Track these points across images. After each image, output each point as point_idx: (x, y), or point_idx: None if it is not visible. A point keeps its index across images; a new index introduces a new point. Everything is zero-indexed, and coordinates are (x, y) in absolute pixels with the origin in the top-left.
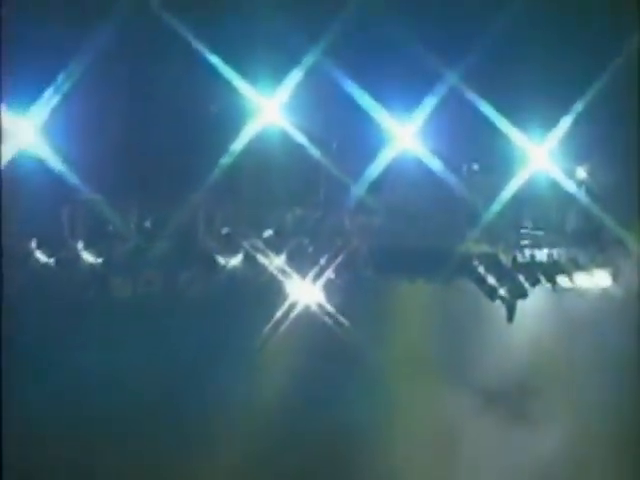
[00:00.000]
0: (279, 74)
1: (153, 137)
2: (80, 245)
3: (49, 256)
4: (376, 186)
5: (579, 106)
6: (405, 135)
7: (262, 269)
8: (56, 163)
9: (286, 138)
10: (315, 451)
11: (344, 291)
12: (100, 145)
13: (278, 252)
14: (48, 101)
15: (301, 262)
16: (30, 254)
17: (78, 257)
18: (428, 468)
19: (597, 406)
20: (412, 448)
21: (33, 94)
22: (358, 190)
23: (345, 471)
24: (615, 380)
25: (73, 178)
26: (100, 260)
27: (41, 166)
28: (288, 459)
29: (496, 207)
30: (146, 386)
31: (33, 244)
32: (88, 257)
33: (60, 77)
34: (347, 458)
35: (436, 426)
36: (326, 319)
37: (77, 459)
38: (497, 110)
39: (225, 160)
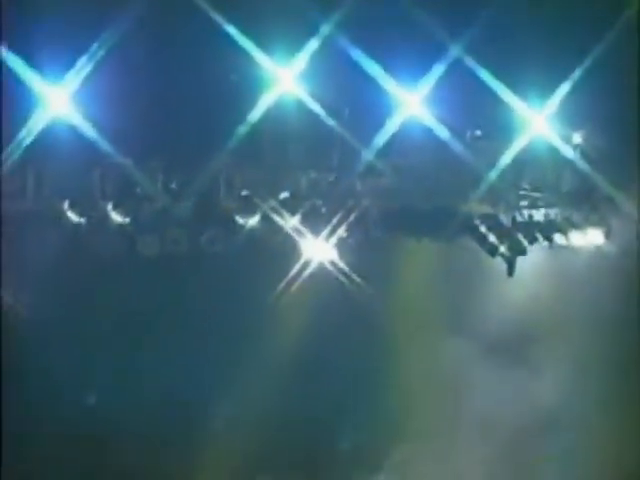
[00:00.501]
0: (295, 46)
1: (178, 105)
2: (109, 206)
3: (80, 216)
4: (385, 150)
5: (575, 77)
6: (412, 102)
7: (278, 229)
8: (88, 129)
9: (301, 106)
10: (327, 393)
11: (355, 249)
12: (129, 112)
13: (293, 213)
14: (80, 71)
15: (315, 222)
16: (63, 214)
17: (107, 217)
18: (434, 406)
19: (590, 353)
20: (419, 389)
21: (67, 64)
22: (368, 154)
23: (358, 407)
24: (607, 329)
25: (103, 143)
26: (128, 220)
27: (73, 132)
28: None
29: (497, 170)
30: (172, 333)
31: (65, 205)
32: (117, 217)
33: (91, 48)
34: (358, 398)
35: (442, 370)
36: (338, 275)
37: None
38: (499, 79)
39: (245, 126)
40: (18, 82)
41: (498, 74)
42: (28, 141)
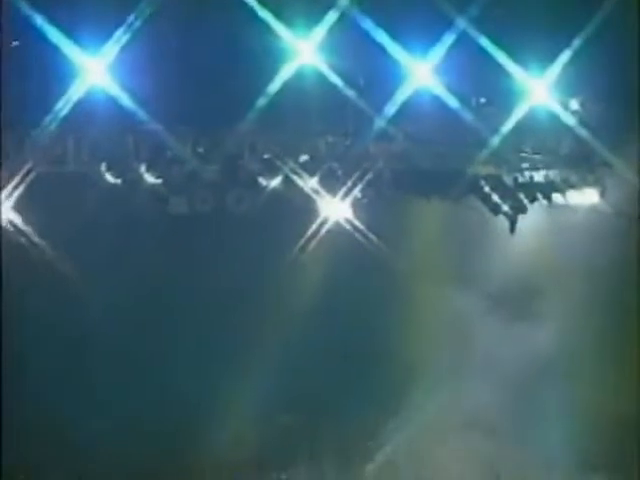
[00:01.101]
0: (314, 21)
1: (207, 75)
2: (143, 168)
3: (117, 177)
4: (397, 117)
5: (573, 47)
6: (422, 72)
7: (298, 189)
8: (123, 97)
9: (320, 76)
10: (344, 339)
11: (369, 208)
12: (161, 82)
13: (312, 174)
14: (116, 44)
15: (332, 183)
16: (100, 176)
17: (141, 178)
18: (442, 354)
19: (586, 302)
20: (429, 338)
21: (104, 38)
22: (381, 121)
23: (371, 356)
24: (601, 280)
25: (138, 110)
26: (160, 181)
27: (110, 100)
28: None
29: (500, 135)
30: (201, 284)
31: (103, 167)
32: (149, 178)
33: (126, 23)
34: (374, 344)
35: (450, 317)
36: (353, 232)
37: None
38: (502, 50)
39: (267, 95)
40: (60, 55)
41: (502, 45)
42: (69, 109)
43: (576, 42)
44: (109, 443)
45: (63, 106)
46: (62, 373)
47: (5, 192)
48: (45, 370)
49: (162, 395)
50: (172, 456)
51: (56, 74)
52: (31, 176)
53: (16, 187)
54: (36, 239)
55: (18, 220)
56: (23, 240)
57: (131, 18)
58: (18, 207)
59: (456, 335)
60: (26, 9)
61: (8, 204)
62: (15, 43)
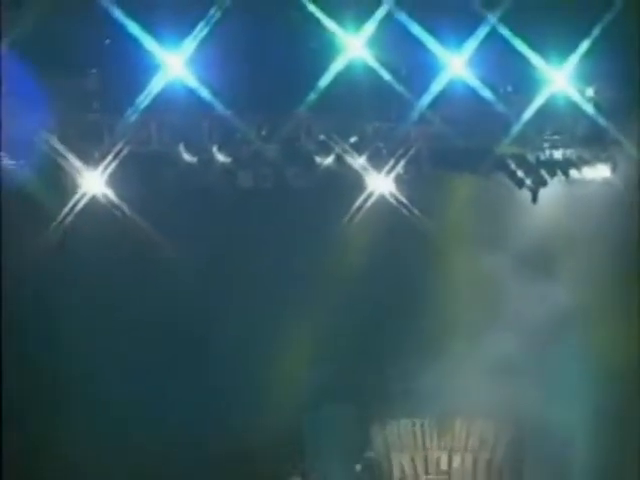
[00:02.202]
0: (363, 18)
1: (270, 68)
2: (215, 148)
3: (192, 156)
4: (434, 102)
5: (589, 42)
6: (456, 63)
7: (348, 167)
8: (199, 87)
9: (367, 67)
10: (386, 303)
11: (410, 183)
12: (232, 74)
13: (360, 154)
14: (193, 40)
15: (377, 162)
16: (179, 155)
17: (214, 157)
18: (477, 306)
19: (599, 266)
20: (462, 295)
21: (182, 35)
22: (421, 106)
23: (412, 312)
24: (612, 246)
25: (211, 98)
26: (230, 159)
27: (188, 89)
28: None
29: (524, 118)
30: (263, 250)
31: (181, 148)
32: (221, 157)
33: (201, 22)
34: (412, 305)
35: (480, 280)
36: (396, 204)
37: None
38: (526, 44)
39: (322, 84)
40: (144, 51)
41: (526, 40)
42: (152, 98)
43: (592, 36)
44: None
45: (148, 95)
46: (156, 335)
47: (100, 169)
48: (138, 333)
49: (238, 351)
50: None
51: (141, 68)
52: (121, 155)
53: (108, 165)
54: (126, 210)
55: (111, 194)
56: (116, 212)
57: (205, 19)
58: (110, 183)
59: (485, 292)
60: (117, 12)
61: (102, 180)
62: (107, 41)
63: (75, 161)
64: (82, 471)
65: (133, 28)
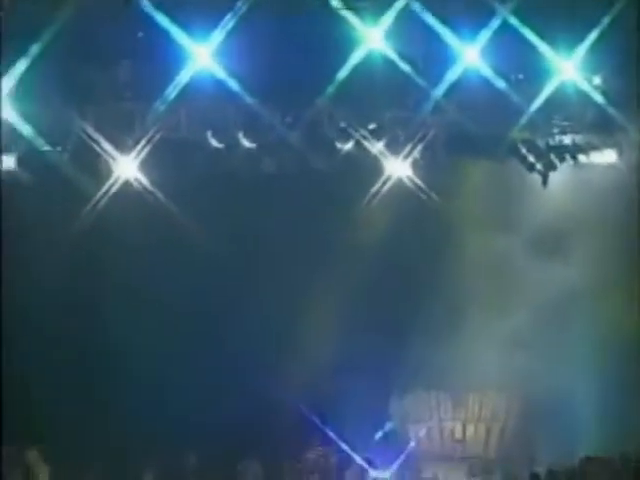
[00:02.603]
0: (381, 12)
1: (293, 58)
2: (241, 134)
3: (219, 142)
4: (449, 91)
5: (596, 33)
6: (470, 54)
7: (367, 151)
8: (226, 76)
9: (386, 58)
10: (406, 277)
11: (426, 168)
12: (256, 63)
13: (379, 140)
14: (220, 32)
15: (395, 147)
16: (206, 141)
17: (239, 143)
18: (494, 282)
19: (606, 241)
20: (477, 273)
21: (210, 27)
22: (436, 94)
23: (430, 290)
24: (617, 224)
25: (237, 87)
26: (255, 145)
27: (215, 78)
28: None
29: (535, 106)
30: (287, 229)
31: (209, 134)
32: (246, 143)
33: (227, 16)
34: (424, 284)
35: (494, 259)
36: (412, 187)
37: None
38: (537, 34)
39: (343, 74)
40: (174, 42)
41: (537, 31)
42: (181, 86)
43: (599, 28)
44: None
45: (177, 84)
46: (185, 311)
47: (132, 155)
48: (169, 309)
49: (264, 324)
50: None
51: (171, 59)
52: (152, 142)
53: (140, 151)
54: (158, 194)
55: (143, 178)
56: (147, 195)
57: (232, 12)
58: (142, 168)
59: (499, 270)
60: (148, 6)
61: (135, 165)
62: (140, 34)
63: (109, 147)
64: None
65: (163, 21)
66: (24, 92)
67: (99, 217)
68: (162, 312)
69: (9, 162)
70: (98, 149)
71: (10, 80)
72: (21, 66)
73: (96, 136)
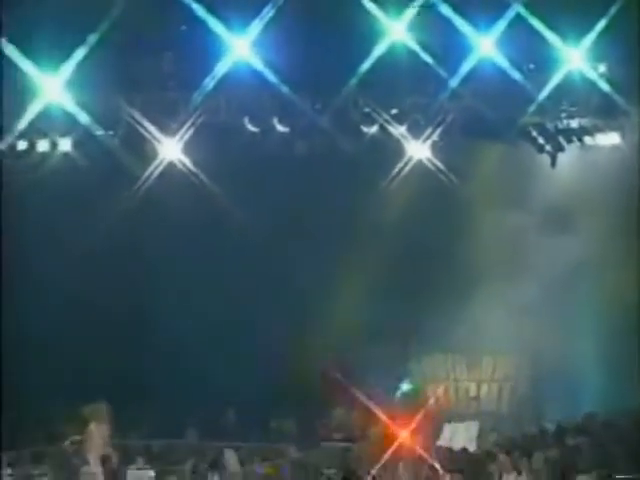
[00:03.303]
0: (403, 7)
1: (322, 50)
2: (275, 120)
3: (255, 127)
4: (466, 79)
5: (601, 25)
6: (485, 44)
7: (390, 134)
8: (262, 67)
9: (407, 48)
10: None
11: (444, 149)
12: (289, 54)
13: (401, 124)
14: (257, 25)
15: (416, 131)
16: (243, 126)
17: (274, 127)
18: (501, 259)
19: (610, 221)
20: (490, 247)
21: (248, 20)
22: (454, 82)
23: (441, 263)
24: (621, 200)
25: (272, 76)
26: (288, 129)
27: (252, 69)
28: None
29: (545, 92)
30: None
31: (246, 119)
32: (280, 127)
33: (264, 8)
34: (442, 256)
35: (506, 234)
36: (431, 167)
37: None
38: (546, 26)
39: (367, 63)
40: (215, 35)
41: (546, 23)
42: (221, 75)
43: (603, 20)
44: None
45: (217, 74)
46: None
47: (176, 138)
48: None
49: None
50: None
51: (211, 50)
52: (194, 126)
53: (184, 135)
54: (199, 174)
55: (186, 160)
56: (190, 175)
57: (268, 6)
58: (185, 150)
59: (511, 244)
60: (191, 2)
61: (178, 147)
62: (183, 27)
63: (155, 131)
64: None
65: (203, 14)
66: (79, 81)
67: (146, 195)
68: (205, 283)
69: (66, 145)
70: (145, 133)
71: (67, 70)
72: (76, 58)
73: (143, 121)
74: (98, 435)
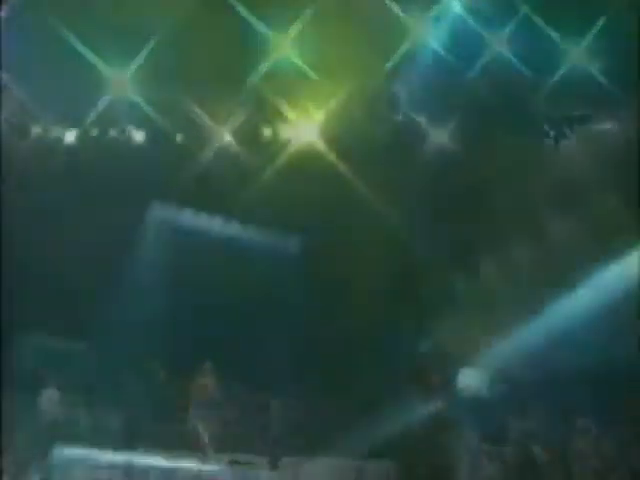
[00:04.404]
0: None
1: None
2: None
3: None
4: (478, 78)
5: (600, 26)
6: (497, 42)
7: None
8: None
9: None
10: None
11: (462, 136)
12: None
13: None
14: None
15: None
16: None
17: None
18: (516, 235)
19: (610, 199)
20: (502, 225)
21: (289, 20)
22: (470, 75)
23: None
24: (618, 176)
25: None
26: None
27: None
28: None
29: (550, 84)
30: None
31: None
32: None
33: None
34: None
35: (514, 211)
36: (451, 151)
37: None
38: (553, 28)
39: (395, 58)
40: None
41: (552, 23)
42: (263, 72)
43: (602, 21)
44: None
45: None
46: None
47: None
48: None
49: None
50: None
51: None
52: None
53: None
54: None
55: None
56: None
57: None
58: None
59: (517, 219)
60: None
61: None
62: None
63: (207, 119)
64: None
65: (249, 16)
66: (145, 78)
67: (203, 173)
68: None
69: (139, 136)
70: (199, 121)
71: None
72: (140, 58)
73: (199, 112)
74: None
